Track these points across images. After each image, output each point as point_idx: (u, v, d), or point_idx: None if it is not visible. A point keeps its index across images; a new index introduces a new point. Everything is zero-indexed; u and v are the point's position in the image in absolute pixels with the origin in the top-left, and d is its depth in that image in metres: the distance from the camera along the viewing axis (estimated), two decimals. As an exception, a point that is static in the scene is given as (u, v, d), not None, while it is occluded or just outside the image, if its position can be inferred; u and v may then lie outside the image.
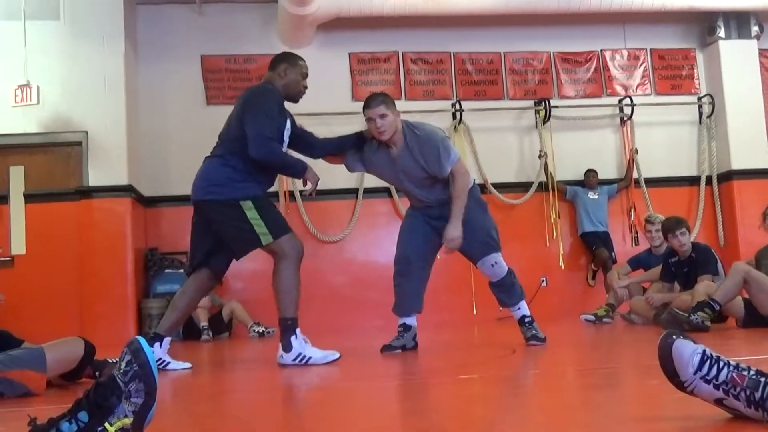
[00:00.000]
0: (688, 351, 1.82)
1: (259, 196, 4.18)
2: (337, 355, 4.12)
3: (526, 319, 4.71)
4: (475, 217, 4.59)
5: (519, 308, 4.74)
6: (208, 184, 4.18)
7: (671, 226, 6.04)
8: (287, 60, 4.44)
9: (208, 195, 4.16)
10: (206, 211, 4.20)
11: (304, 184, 4.41)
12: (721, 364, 1.80)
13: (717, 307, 5.04)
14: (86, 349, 3.36)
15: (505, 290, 4.72)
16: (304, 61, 4.50)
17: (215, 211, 4.16)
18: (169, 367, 4.17)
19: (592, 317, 6.81)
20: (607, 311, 6.80)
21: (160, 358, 4.10)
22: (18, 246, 7.90)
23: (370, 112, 4.41)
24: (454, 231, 4.46)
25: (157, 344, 4.14)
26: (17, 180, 8.00)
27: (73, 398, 1.81)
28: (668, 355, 1.84)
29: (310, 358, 4.04)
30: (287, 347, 4.05)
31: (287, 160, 4.34)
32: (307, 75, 4.49)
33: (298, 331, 4.09)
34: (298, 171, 4.35)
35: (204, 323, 7.64)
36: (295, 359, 4.02)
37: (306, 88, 4.49)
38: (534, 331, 4.68)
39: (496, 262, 4.62)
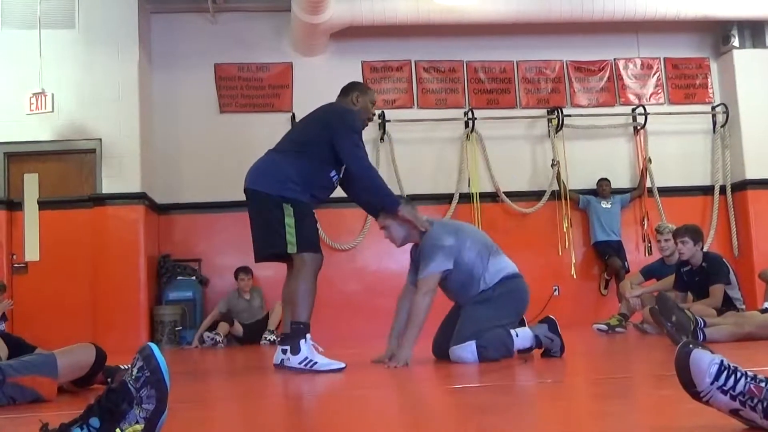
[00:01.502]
0: (705, 361, 1.80)
1: (303, 205, 4.28)
2: (343, 365, 4.13)
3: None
4: (483, 305, 4.33)
5: (522, 349, 4.33)
6: (265, 176, 4.32)
7: (675, 231, 6.13)
8: (358, 88, 4.63)
9: (262, 187, 4.30)
10: (254, 199, 4.35)
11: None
12: (739, 374, 1.78)
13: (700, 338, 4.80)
14: (97, 355, 3.36)
15: (492, 359, 4.22)
16: (373, 90, 4.70)
17: (261, 201, 4.30)
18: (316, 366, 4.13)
19: (604, 327, 6.78)
20: (619, 321, 6.77)
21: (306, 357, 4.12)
22: (32, 253, 7.96)
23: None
24: (401, 352, 4.18)
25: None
26: (31, 187, 8.06)
27: (84, 404, 1.81)
28: (685, 365, 1.82)
29: (315, 362, 4.09)
30: (295, 350, 4.10)
31: (383, 184, 4.54)
32: (375, 103, 4.68)
33: (308, 336, 4.14)
34: (394, 202, 4.54)
35: (218, 332, 7.72)
36: (301, 362, 4.07)
37: (374, 115, 4.60)
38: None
39: (458, 357, 4.20)
